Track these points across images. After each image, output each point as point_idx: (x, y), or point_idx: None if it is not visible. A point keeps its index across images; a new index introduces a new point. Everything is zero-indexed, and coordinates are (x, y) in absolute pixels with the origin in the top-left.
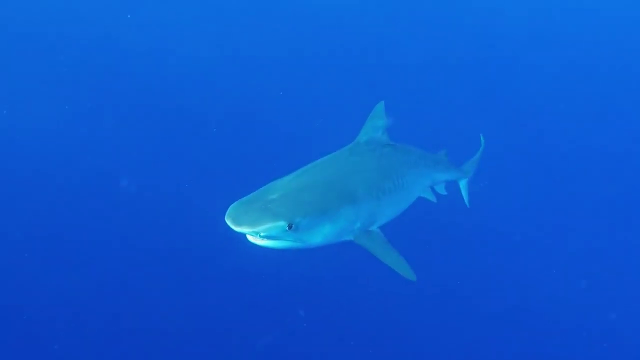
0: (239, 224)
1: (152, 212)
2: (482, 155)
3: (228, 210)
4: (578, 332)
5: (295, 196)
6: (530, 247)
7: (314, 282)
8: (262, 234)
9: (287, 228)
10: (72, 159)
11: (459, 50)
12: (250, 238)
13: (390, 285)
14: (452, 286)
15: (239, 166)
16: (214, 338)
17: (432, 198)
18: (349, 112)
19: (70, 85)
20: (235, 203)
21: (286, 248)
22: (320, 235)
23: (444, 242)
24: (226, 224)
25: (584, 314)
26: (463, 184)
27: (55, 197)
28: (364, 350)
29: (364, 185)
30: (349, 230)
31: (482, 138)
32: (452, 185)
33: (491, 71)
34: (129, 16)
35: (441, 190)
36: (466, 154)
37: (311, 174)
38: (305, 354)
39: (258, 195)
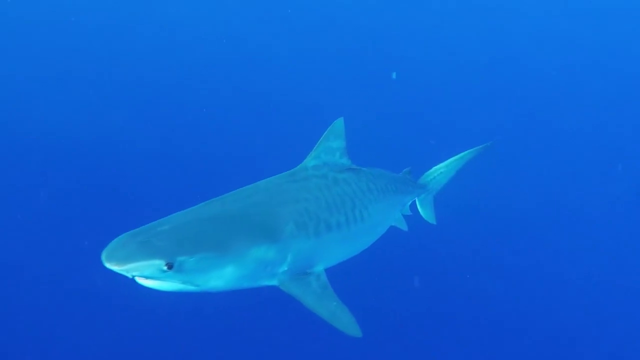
0: (109, 260)
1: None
2: (454, 167)
3: (110, 243)
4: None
5: (190, 228)
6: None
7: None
8: (133, 274)
9: (165, 268)
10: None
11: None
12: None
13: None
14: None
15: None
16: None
17: (403, 226)
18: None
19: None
20: (124, 234)
21: (180, 291)
22: (219, 279)
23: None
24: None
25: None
26: (429, 200)
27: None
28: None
29: (298, 219)
30: (269, 274)
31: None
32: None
33: (469, 79)
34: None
35: (404, 210)
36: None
37: (228, 201)
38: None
39: (152, 226)
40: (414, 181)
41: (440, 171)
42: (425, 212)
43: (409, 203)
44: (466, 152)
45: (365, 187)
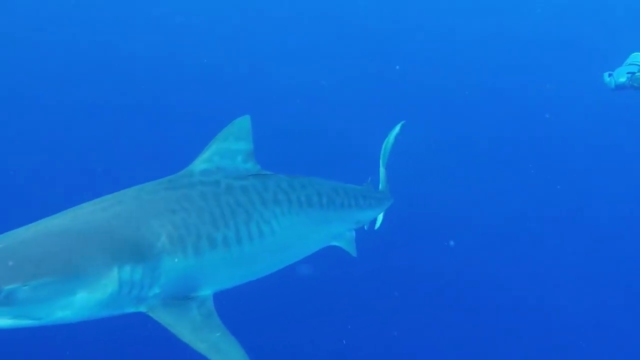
0: None
1: None
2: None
3: None
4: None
5: (28, 247)
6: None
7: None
8: None
9: None
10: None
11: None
12: None
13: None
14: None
15: None
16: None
17: (351, 250)
18: None
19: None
20: None
21: (15, 327)
22: (67, 309)
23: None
24: None
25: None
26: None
27: None
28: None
29: (173, 233)
30: (135, 299)
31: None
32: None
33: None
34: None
35: (351, 249)
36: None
37: (85, 212)
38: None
39: None
40: (379, 193)
41: (384, 173)
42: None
43: (368, 220)
44: (386, 144)
45: (271, 198)
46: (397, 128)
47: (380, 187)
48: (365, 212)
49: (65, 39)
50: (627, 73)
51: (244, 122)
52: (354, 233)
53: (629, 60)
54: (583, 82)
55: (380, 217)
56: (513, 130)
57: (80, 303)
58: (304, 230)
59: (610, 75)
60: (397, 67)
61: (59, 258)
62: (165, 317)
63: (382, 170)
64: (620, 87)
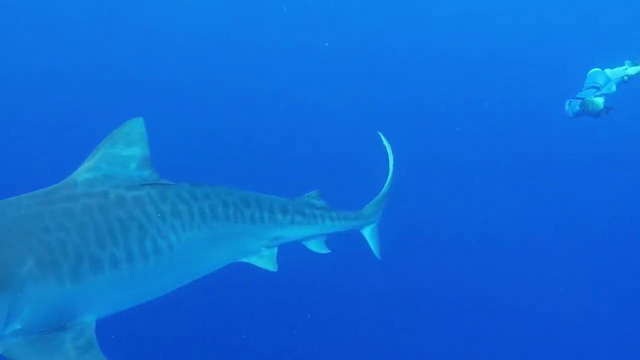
0: None
1: None
2: (389, 190)
3: None
4: None
5: None
6: None
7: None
8: None
9: None
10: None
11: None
12: None
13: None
14: None
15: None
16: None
17: (269, 265)
18: None
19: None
20: None
21: None
22: None
23: None
24: None
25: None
26: (368, 233)
27: None
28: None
29: (44, 256)
30: None
31: (390, 167)
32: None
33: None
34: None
35: (319, 247)
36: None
37: None
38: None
39: None
40: (325, 209)
41: (384, 197)
42: (374, 246)
43: (297, 238)
44: (390, 167)
45: (169, 210)
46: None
47: (367, 205)
48: (286, 229)
49: None
50: (578, 99)
51: (136, 125)
52: (275, 250)
53: (587, 82)
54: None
55: (374, 240)
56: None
57: None
58: (207, 246)
59: (570, 103)
60: (326, 43)
61: None
62: (23, 355)
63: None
64: (577, 115)
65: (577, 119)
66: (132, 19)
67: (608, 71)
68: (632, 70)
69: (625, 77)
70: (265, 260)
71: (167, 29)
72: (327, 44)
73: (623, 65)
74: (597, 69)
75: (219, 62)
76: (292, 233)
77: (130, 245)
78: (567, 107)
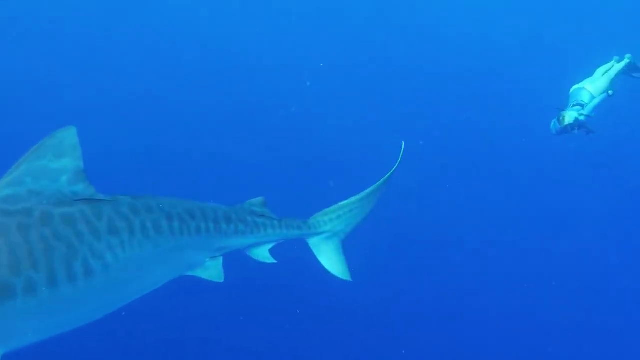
0: None
1: None
2: (359, 204)
3: None
4: None
5: None
6: None
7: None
8: None
9: None
10: None
11: None
12: None
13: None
14: None
15: None
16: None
17: (216, 278)
18: None
19: None
20: None
21: None
22: None
23: None
24: None
25: None
26: (316, 244)
27: None
28: None
29: None
30: None
31: (378, 183)
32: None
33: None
34: None
35: (265, 257)
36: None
37: None
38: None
39: None
40: (269, 217)
41: (351, 207)
42: (330, 262)
43: (242, 246)
44: (381, 181)
45: (105, 227)
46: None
47: (317, 217)
48: (231, 239)
49: None
50: (557, 118)
51: (68, 135)
52: (220, 260)
53: (571, 100)
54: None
55: (329, 254)
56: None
57: None
58: (150, 263)
59: (553, 121)
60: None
61: None
62: None
63: (353, 202)
64: (560, 132)
65: (562, 135)
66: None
67: (589, 87)
68: (614, 70)
69: (610, 92)
70: (212, 272)
71: (102, 32)
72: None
73: (611, 60)
74: (577, 86)
75: (155, 68)
76: (236, 242)
77: (53, 268)
78: (551, 125)
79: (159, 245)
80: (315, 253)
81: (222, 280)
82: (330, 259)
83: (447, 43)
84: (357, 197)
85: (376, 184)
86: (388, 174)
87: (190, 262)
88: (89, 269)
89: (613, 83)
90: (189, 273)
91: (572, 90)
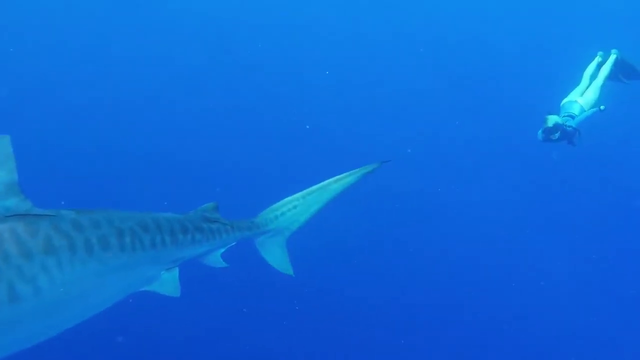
0: None
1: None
2: (317, 199)
3: None
4: None
5: None
6: None
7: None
8: None
9: None
10: None
11: None
12: None
13: None
14: None
15: None
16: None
17: (171, 291)
18: None
19: None
20: None
21: None
22: None
23: None
24: None
25: None
26: (261, 243)
27: None
28: None
29: None
30: None
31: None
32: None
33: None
34: None
35: (216, 262)
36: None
37: None
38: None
39: None
40: (222, 222)
41: (294, 204)
42: (274, 258)
43: (195, 255)
44: (336, 178)
45: (40, 245)
46: (373, 166)
47: (263, 215)
48: (188, 249)
49: None
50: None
51: (2, 144)
52: (176, 272)
53: (562, 112)
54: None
55: (273, 252)
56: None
57: None
58: (95, 283)
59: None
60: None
61: None
62: None
63: (297, 198)
64: (545, 139)
65: (547, 142)
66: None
67: (580, 99)
68: (601, 76)
69: (602, 107)
70: (168, 286)
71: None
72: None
73: (596, 55)
74: (568, 99)
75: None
76: (193, 252)
77: None
78: (539, 132)
79: (105, 263)
80: (261, 250)
81: (178, 295)
82: (275, 255)
83: (440, 49)
84: (302, 193)
85: (324, 182)
86: (342, 175)
87: (144, 277)
88: (14, 294)
89: (603, 92)
90: (144, 289)
91: (562, 103)
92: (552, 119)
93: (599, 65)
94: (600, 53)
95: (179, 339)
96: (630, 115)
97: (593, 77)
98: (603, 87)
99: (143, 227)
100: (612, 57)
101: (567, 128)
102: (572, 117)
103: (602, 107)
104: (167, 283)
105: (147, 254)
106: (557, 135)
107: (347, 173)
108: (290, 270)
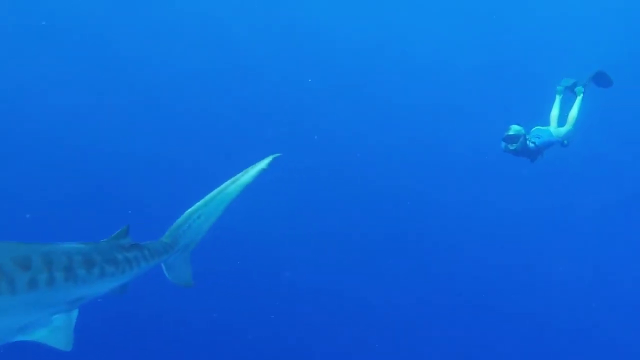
0: None
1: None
2: (219, 204)
3: None
4: None
5: None
6: None
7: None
8: None
9: None
10: None
11: None
12: None
13: None
14: None
15: None
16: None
17: (64, 344)
18: None
19: None
20: None
21: None
22: None
23: None
24: None
25: None
26: (171, 263)
27: None
28: None
29: None
30: None
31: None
32: None
33: None
34: None
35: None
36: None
37: None
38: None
39: None
40: (139, 248)
41: (198, 214)
42: (178, 274)
43: (102, 293)
44: (232, 179)
45: None
46: (267, 161)
47: (169, 234)
48: (94, 286)
49: None
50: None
51: None
52: (74, 314)
53: (532, 135)
54: None
55: (178, 269)
56: None
57: None
58: None
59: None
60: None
61: None
62: None
63: (199, 208)
64: (505, 149)
65: (508, 153)
66: None
67: (552, 130)
68: (572, 114)
69: (565, 141)
70: (59, 335)
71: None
72: None
73: (555, 94)
74: (539, 127)
75: None
76: (101, 288)
77: None
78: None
79: None
80: (166, 270)
81: (69, 349)
82: (180, 271)
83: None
84: (203, 201)
85: (221, 186)
86: (238, 175)
87: (24, 324)
88: None
89: (577, 127)
90: (25, 338)
91: (534, 129)
92: (514, 128)
93: (562, 100)
94: (558, 89)
95: (177, 338)
96: (631, 115)
97: (562, 114)
98: (577, 121)
99: (23, 264)
100: (579, 98)
101: (530, 144)
102: (539, 137)
103: (565, 142)
104: (59, 332)
105: (25, 297)
106: (514, 146)
107: (242, 172)
108: (191, 283)
